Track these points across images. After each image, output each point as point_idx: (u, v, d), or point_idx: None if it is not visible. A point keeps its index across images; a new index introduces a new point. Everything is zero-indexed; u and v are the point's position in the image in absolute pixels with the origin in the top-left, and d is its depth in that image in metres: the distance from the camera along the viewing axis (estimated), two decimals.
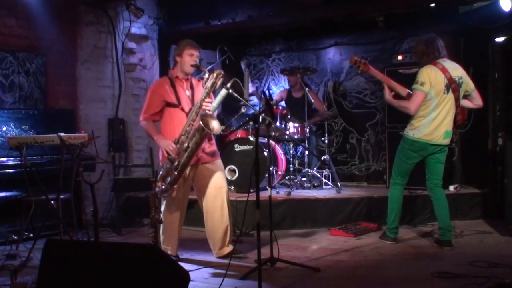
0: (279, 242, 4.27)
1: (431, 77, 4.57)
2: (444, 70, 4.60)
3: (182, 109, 4.38)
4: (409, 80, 5.12)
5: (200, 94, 4.37)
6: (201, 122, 4.11)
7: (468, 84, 4.74)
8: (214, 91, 4.35)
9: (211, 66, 6.43)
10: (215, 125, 4.16)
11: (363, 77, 7.48)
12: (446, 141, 4.72)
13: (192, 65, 4.40)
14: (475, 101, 4.79)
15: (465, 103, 4.78)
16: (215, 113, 4.55)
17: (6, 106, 5.48)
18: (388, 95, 4.82)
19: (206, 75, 4.32)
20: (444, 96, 4.61)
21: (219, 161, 4.55)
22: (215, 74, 4.28)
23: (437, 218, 4.85)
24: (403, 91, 4.87)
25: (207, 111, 4.25)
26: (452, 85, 4.61)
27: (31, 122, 5.41)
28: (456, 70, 4.67)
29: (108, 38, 6.56)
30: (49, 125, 5.44)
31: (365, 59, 4.98)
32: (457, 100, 4.67)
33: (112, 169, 6.35)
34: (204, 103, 4.24)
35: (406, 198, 5.30)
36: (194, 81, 4.57)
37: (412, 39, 6.97)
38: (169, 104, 4.39)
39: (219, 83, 4.31)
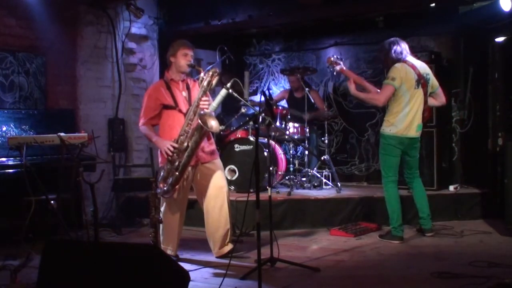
0: (279, 242, 4.27)
1: (401, 74, 4.86)
2: (413, 67, 4.92)
3: (180, 111, 4.38)
4: None
5: (196, 94, 4.37)
6: (199, 121, 4.11)
7: (434, 81, 5.06)
8: (210, 89, 4.35)
9: (211, 66, 6.42)
10: (213, 123, 4.17)
11: (363, 77, 7.44)
12: (418, 133, 5.01)
13: (188, 65, 4.40)
14: (439, 98, 5.12)
15: (430, 101, 5.07)
16: (214, 113, 4.55)
17: (6, 106, 5.47)
18: (353, 89, 5.11)
19: (202, 74, 4.32)
20: (415, 91, 4.90)
21: (218, 161, 4.55)
22: (210, 73, 4.29)
23: (418, 209, 5.12)
24: (375, 90, 5.19)
25: (205, 110, 4.25)
26: (421, 81, 4.93)
27: (31, 122, 5.41)
28: (424, 68, 5.01)
29: (108, 38, 6.56)
30: (49, 125, 5.44)
31: (341, 59, 5.33)
32: (425, 95, 4.96)
33: (112, 169, 6.35)
34: (201, 102, 4.25)
35: (406, 198, 5.33)
36: (190, 81, 4.57)
37: (412, 39, 6.98)
38: (166, 107, 4.39)
39: (215, 81, 4.31)
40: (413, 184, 5.14)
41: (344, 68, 5.32)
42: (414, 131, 4.94)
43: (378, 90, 5.08)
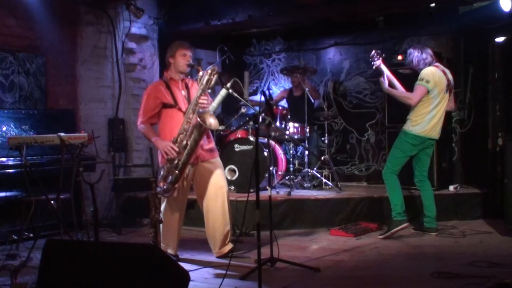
0: (279, 242, 4.27)
1: (435, 77, 4.99)
2: (444, 72, 5.07)
3: (180, 109, 4.37)
4: (409, 80, 5.24)
5: (195, 93, 4.37)
6: (198, 119, 4.12)
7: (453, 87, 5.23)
8: (209, 87, 4.35)
9: (211, 65, 6.41)
10: (212, 121, 4.17)
11: (363, 77, 7.49)
12: (439, 136, 5.17)
13: (187, 65, 4.40)
14: (450, 103, 5.28)
15: None
16: (214, 113, 4.54)
17: (6, 106, 5.48)
18: (386, 85, 5.17)
19: (201, 73, 4.32)
20: (443, 96, 5.04)
21: (218, 159, 4.55)
22: (209, 71, 4.29)
23: (425, 208, 5.22)
24: (402, 90, 5.23)
25: (203, 108, 4.25)
26: (449, 86, 5.10)
27: (31, 122, 5.41)
28: (450, 74, 5.13)
29: (108, 38, 6.57)
30: (49, 125, 5.44)
31: (381, 55, 5.28)
32: (447, 100, 5.12)
33: (112, 169, 6.35)
34: (200, 100, 4.24)
35: (406, 198, 5.32)
36: (188, 81, 4.57)
37: (412, 39, 6.99)
38: (166, 105, 4.39)
39: (214, 79, 4.31)
40: (424, 184, 5.24)
41: (382, 64, 5.29)
42: (437, 133, 5.11)
43: (403, 89, 5.20)
